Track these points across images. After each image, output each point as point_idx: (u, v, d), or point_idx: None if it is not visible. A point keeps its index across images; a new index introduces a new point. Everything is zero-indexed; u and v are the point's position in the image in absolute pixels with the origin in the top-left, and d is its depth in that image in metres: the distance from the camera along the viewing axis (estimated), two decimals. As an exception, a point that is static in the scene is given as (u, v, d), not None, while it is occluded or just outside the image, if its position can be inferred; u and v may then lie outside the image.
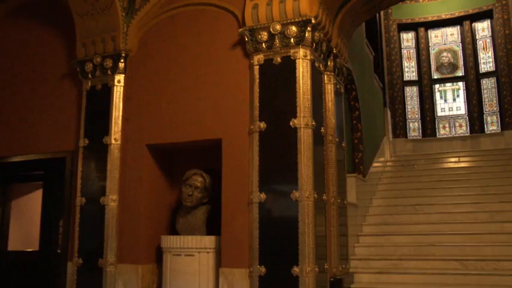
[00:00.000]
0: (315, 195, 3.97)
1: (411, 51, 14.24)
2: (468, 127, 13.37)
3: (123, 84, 4.83)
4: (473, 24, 13.71)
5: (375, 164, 10.75)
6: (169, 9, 4.85)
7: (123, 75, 4.85)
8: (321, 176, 4.25)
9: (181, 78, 4.64)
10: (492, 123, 13.11)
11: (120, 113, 4.77)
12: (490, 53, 13.44)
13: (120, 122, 4.75)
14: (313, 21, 4.15)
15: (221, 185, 4.27)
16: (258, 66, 4.23)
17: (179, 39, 4.74)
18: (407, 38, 14.29)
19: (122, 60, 4.84)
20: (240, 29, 4.33)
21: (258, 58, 4.23)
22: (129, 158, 4.72)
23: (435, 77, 14.01)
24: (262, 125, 4.11)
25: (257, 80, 4.20)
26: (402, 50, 14.18)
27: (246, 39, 4.27)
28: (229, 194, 4.20)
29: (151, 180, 4.74)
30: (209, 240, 4.36)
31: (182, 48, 4.71)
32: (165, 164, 4.90)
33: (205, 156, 4.72)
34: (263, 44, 4.21)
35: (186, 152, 4.86)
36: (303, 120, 4.00)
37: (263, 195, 4.00)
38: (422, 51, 14.00)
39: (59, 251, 5.37)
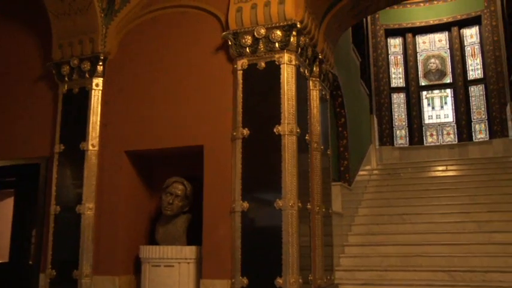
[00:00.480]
0: (299, 204, 3.99)
1: (398, 57, 14.43)
2: (456, 135, 13.57)
3: (101, 88, 4.82)
4: (461, 31, 13.94)
5: (361, 172, 10.84)
6: (150, 11, 4.86)
7: (102, 79, 4.83)
8: (305, 185, 4.28)
9: (162, 82, 4.65)
10: (480, 131, 13.32)
11: (98, 118, 4.75)
12: (479, 60, 13.68)
13: (98, 127, 4.73)
14: (298, 25, 4.19)
15: (203, 193, 4.27)
16: (241, 71, 4.25)
17: (160, 42, 4.75)
18: (395, 44, 14.48)
19: (101, 63, 4.83)
20: (224, 33, 4.35)
21: (242, 63, 4.26)
22: (107, 164, 4.70)
23: (423, 84, 14.21)
24: (246, 131, 4.13)
25: (241, 85, 4.23)
26: (389, 55, 14.36)
27: (230, 43, 4.30)
28: (211, 203, 4.20)
29: (130, 188, 4.72)
30: (190, 251, 4.35)
31: (164, 52, 4.71)
32: (144, 171, 4.89)
33: (186, 164, 4.72)
34: (247, 48, 4.24)
35: (166, 159, 4.86)
36: (287, 127, 4.03)
37: (246, 204, 4.01)
38: (409, 57, 14.20)
39: (30, 262, 5.30)
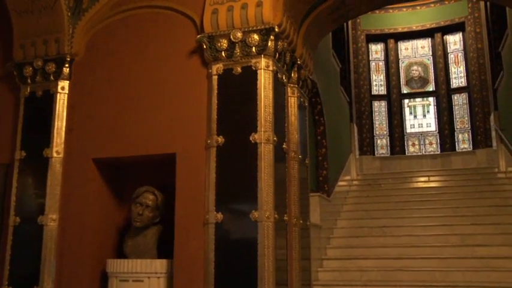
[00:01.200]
0: (276, 216, 4.01)
1: (380, 63, 14.66)
2: (439, 145, 13.82)
3: (67, 92, 4.78)
4: (444, 37, 14.25)
5: (340, 183, 10.95)
6: (121, 11, 4.85)
7: (68, 82, 4.80)
8: (282, 195, 4.30)
9: (133, 86, 4.64)
10: (463, 141, 13.60)
11: (64, 123, 4.71)
12: (462, 68, 13.98)
13: (63, 133, 4.68)
14: (276, 29, 4.23)
15: (174, 203, 4.27)
16: (216, 76, 4.26)
17: (131, 44, 4.74)
18: (376, 50, 14.71)
19: (67, 65, 4.79)
20: (198, 36, 4.37)
21: (217, 67, 4.28)
22: (72, 173, 4.66)
23: (404, 92, 14.45)
24: (220, 139, 4.15)
25: (215, 91, 4.24)
26: (370, 62, 14.58)
27: (205, 46, 4.31)
28: (183, 214, 4.20)
29: (97, 198, 4.69)
30: (160, 264, 4.34)
31: (135, 54, 4.70)
32: (113, 180, 4.87)
33: (157, 172, 4.71)
34: (223, 52, 4.26)
35: (136, 167, 4.84)
36: (263, 135, 4.06)
37: (220, 215, 4.02)
38: (391, 63, 14.44)
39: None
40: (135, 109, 4.58)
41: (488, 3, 11.85)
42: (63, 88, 4.78)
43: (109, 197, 4.82)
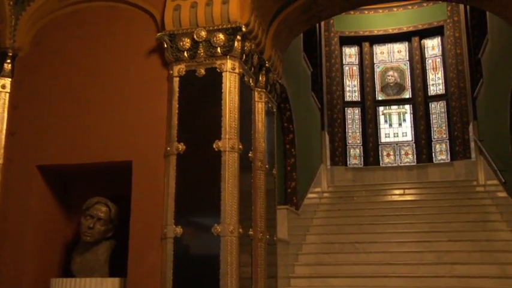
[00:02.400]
0: (240, 230, 4.02)
1: (354, 68, 14.89)
2: (415, 155, 14.10)
3: (9, 90, 4.67)
4: (422, 41, 14.58)
5: (310, 195, 11.05)
6: (72, 3, 4.77)
7: (10, 79, 4.69)
8: (247, 208, 4.31)
9: (85, 87, 4.59)
10: (441, 152, 13.91)
11: (4, 126, 4.60)
12: (440, 74, 14.33)
13: (3, 136, 4.58)
14: (243, 29, 4.24)
15: (129, 216, 4.24)
16: (178, 78, 4.25)
17: (84, 40, 4.69)
18: (350, 53, 14.94)
19: (9, 61, 4.69)
20: (159, 34, 4.35)
21: (179, 69, 4.26)
22: (14, 181, 4.56)
23: (379, 99, 14.71)
24: (181, 146, 4.14)
25: (176, 94, 4.22)
26: (344, 66, 14.79)
27: (165, 45, 4.30)
28: (139, 227, 4.17)
29: (42, 210, 4.61)
30: (112, 283, 4.29)
31: (87, 52, 4.65)
32: (60, 190, 4.79)
33: (111, 182, 4.66)
34: (185, 52, 4.26)
35: (87, 176, 4.79)
36: (228, 142, 4.06)
37: (179, 229, 4.00)
38: (366, 68, 14.68)
39: None
40: (87, 112, 4.52)
41: (468, 6, 12.18)
42: (4, 86, 4.67)
43: (56, 209, 4.74)
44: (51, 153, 4.54)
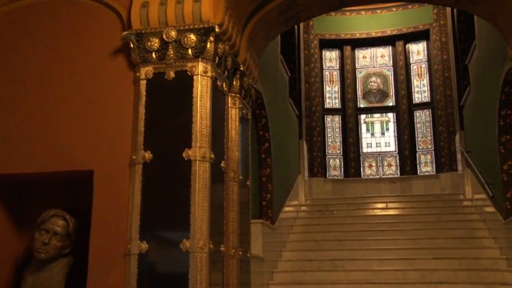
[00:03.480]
0: (211, 246, 4.00)
1: (334, 73, 15.00)
2: (398, 167, 14.23)
3: (-48, 91, 4.61)
4: (407, 46, 14.77)
5: (287, 209, 11.06)
6: (26, -3, 4.75)
7: (-47, 79, 4.63)
8: (219, 222, 4.30)
9: (42, 89, 4.52)
10: (426, 164, 14.06)
11: None
12: (425, 81, 14.52)
13: None
14: (217, 29, 4.24)
15: (90, 230, 4.19)
16: (145, 81, 4.23)
17: (40, 37, 4.62)
18: (331, 58, 15.06)
19: (-44, 62, 4.64)
20: (124, 33, 4.32)
21: (146, 71, 4.25)
22: (-40, 192, 4.49)
23: (361, 106, 14.83)
24: (148, 155, 4.12)
25: (143, 98, 4.21)
26: (324, 71, 14.89)
27: (132, 45, 4.28)
28: (100, 243, 4.12)
29: (-10, 223, 4.54)
30: (70, 304, 4.24)
31: (44, 51, 4.59)
32: (11, 202, 4.71)
33: (70, 193, 4.60)
34: (153, 53, 4.24)
35: (43, 187, 4.72)
36: (199, 151, 4.05)
37: (145, 245, 3.97)
38: (347, 73, 14.79)
39: None
40: (44, 116, 4.46)
41: (455, 10, 12.37)
42: (-48, 89, 4.60)
43: (5, 222, 4.65)
44: (2, 161, 4.47)
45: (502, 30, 5.45)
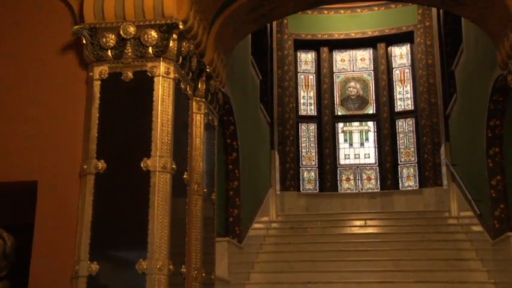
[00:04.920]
0: (171, 267, 3.97)
1: (310, 77, 15.07)
2: (378, 181, 14.33)
3: None
4: (389, 48, 14.91)
5: (256, 225, 11.04)
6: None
7: None
8: (180, 240, 4.27)
9: (-18, 89, 4.47)
10: (409, 178, 14.19)
11: None
12: (409, 87, 14.67)
13: None
14: (181, 26, 4.23)
15: (31, 249, 4.11)
16: (99, 82, 4.19)
17: (-20, 31, 4.58)
18: (306, 60, 15.13)
19: None
20: (76, 27, 4.27)
21: (101, 70, 4.21)
22: None
23: (339, 114, 14.92)
24: (101, 164, 4.07)
25: (97, 101, 4.16)
26: (298, 74, 14.95)
27: (84, 41, 4.23)
28: (43, 264, 4.04)
29: None
30: (8, 334, 4.14)
31: (-16, 46, 4.55)
32: None
33: (10, 207, 4.53)
34: (109, 51, 4.21)
35: (-19, 200, 4.63)
36: (159, 161, 4.03)
37: (95, 266, 3.90)
38: (324, 78, 14.87)
39: None
40: (-18, 120, 4.39)
41: (441, 11, 12.54)
42: None
43: None
44: None
45: (491, 33, 5.53)
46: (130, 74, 4.20)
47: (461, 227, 10.96)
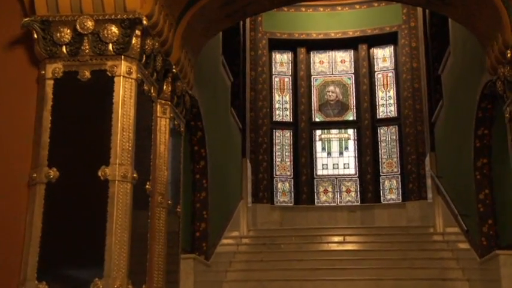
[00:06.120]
0: (130, 287, 3.93)
1: (286, 79, 15.10)
2: (358, 193, 14.38)
3: None
4: (371, 50, 15.00)
5: (225, 241, 10.99)
6: None
7: None
8: (141, 257, 4.25)
9: None
10: (391, 190, 14.26)
11: None
12: (392, 92, 14.76)
13: None
14: (144, 21, 4.22)
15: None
16: (52, 81, 4.15)
17: None
18: (282, 61, 15.15)
19: None
20: (26, 19, 4.22)
21: (54, 68, 4.16)
22: None
23: (317, 120, 14.96)
24: (53, 172, 4.02)
25: (50, 102, 4.12)
26: (273, 76, 14.96)
27: (36, 36, 4.19)
28: (-16, 284, 3.99)
29: None
30: None
31: None
32: None
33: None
34: (64, 47, 4.17)
35: None
36: (119, 169, 4.00)
37: (44, 286, 3.85)
38: (301, 81, 14.90)
39: None
40: None
41: (427, 11, 12.64)
42: None
43: None
44: None
45: (479, 36, 5.58)
46: (87, 73, 4.17)
47: (446, 244, 11.02)
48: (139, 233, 4.20)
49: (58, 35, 4.18)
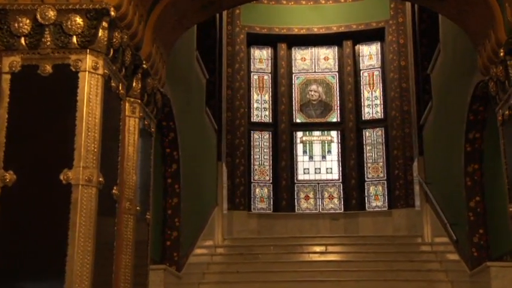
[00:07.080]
0: (94, 301, 3.90)
1: (265, 77, 15.09)
2: (342, 200, 14.40)
3: None
4: (356, 47, 15.03)
5: (199, 251, 10.95)
6: None
7: None
8: (106, 268, 4.23)
9: None
10: (376, 197, 14.29)
11: None
12: (378, 92, 14.80)
13: None
14: (112, 12, 4.20)
15: None
16: (9, 76, 4.12)
17: None
18: (261, 57, 15.15)
19: None
20: (-20, 9, 4.21)
21: (12, 62, 4.14)
22: None
23: (298, 121, 14.97)
24: (9, 176, 3.99)
25: (6, 99, 4.09)
26: (252, 74, 14.95)
27: (-8, 27, 4.17)
28: None
29: None
30: None
31: None
32: None
33: None
34: (22, 38, 4.15)
35: None
36: (83, 172, 3.98)
37: (-2, 301, 3.83)
38: (281, 79, 14.90)
39: None
40: None
41: (416, 6, 12.69)
42: None
43: None
44: None
45: (471, 34, 5.60)
46: (49, 68, 4.15)
47: (435, 254, 11.06)
48: (104, 242, 4.18)
49: (16, 25, 4.14)
